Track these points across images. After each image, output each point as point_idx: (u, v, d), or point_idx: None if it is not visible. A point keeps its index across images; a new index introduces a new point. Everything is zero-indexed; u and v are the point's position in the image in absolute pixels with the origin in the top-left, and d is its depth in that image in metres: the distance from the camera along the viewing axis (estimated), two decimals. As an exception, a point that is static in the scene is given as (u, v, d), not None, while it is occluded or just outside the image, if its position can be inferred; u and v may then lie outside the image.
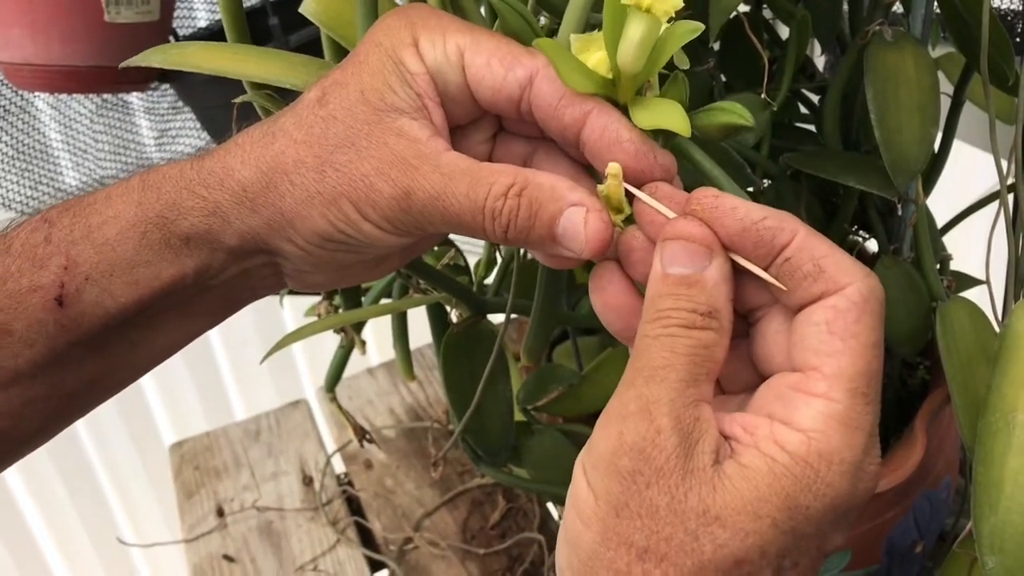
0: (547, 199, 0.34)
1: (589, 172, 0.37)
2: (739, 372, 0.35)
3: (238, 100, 0.53)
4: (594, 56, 0.35)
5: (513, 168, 0.34)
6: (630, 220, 0.35)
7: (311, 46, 0.81)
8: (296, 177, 0.35)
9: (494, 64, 0.34)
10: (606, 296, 0.35)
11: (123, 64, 0.51)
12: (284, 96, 0.53)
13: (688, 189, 0.34)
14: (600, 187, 0.35)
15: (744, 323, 0.35)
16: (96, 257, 0.36)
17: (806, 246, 0.32)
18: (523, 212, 0.34)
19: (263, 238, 0.36)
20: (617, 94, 0.35)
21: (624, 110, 0.35)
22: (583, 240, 0.34)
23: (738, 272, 0.33)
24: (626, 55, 0.33)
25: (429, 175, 0.34)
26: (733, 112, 0.35)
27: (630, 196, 0.35)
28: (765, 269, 0.33)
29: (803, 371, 0.32)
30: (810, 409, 0.31)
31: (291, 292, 0.66)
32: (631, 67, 0.34)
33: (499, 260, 0.68)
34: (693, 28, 0.34)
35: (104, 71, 0.75)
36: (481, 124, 0.38)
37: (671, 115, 0.34)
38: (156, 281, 0.36)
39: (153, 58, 0.51)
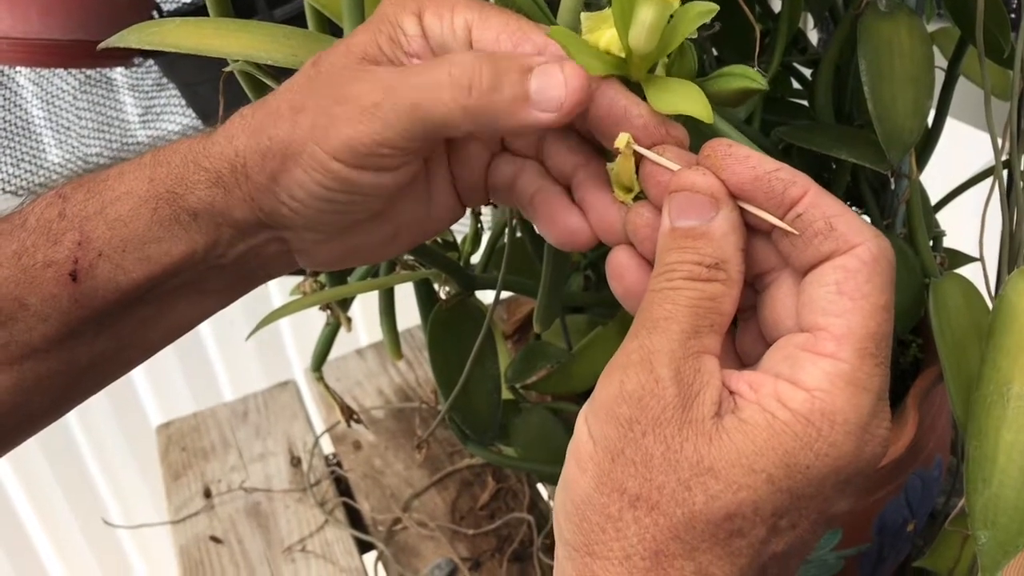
0: (513, 61, 0.33)
1: (602, 153, 0.37)
2: (754, 344, 0.35)
3: (226, 70, 0.52)
4: (606, 34, 0.34)
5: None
6: (640, 196, 0.34)
7: (297, 20, 0.80)
8: (273, 131, 0.34)
9: (503, 40, 0.34)
10: (625, 283, 0.35)
11: (101, 45, 0.50)
12: (269, 71, 0.52)
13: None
14: (609, 165, 0.34)
15: (752, 292, 0.35)
16: (109, 233, 0.36)
17: (818, 203, 0.31)
18: (487, 70, 0.32)
19: (259, 204, 0.36)
20: (629, 72, 0.34)
21: (637, 88, 0.34)
22: (562, 85, 0.32)
23: (749, 232, 0.33)
24: (638, 38, 0.33)
25: (383, 76, 0.33)
26: (745, 76, 0.35)
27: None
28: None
29: (811, 331, 0.31)
30: (816, 368, 0.30)
31: (300, 272, 0.65)
32: (643, 49, 0.33)
33: (485, 237, 0.67)
34: (706, 10, 0.33)
35: (85, 45, 0.74)
36: None
37: (691, 99, 0.33)
38: (167, 257, 0.37)
39: (131, 38, 0.50)
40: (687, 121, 0.34)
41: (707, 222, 0.32)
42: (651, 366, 0.30)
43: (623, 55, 0.34)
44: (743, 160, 0.32)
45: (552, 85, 0.32)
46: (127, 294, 0.37)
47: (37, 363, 0.38)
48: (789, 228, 0.32)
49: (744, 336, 0.35)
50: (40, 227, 0.37)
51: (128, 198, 0.36)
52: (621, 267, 0.35)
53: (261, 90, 0.53)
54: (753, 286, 0.35)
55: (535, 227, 0.37)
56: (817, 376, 0.30)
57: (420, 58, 0.34)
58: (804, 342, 0.31)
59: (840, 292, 0.31)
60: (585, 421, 0.32)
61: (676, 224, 0.32)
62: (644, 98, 0.34)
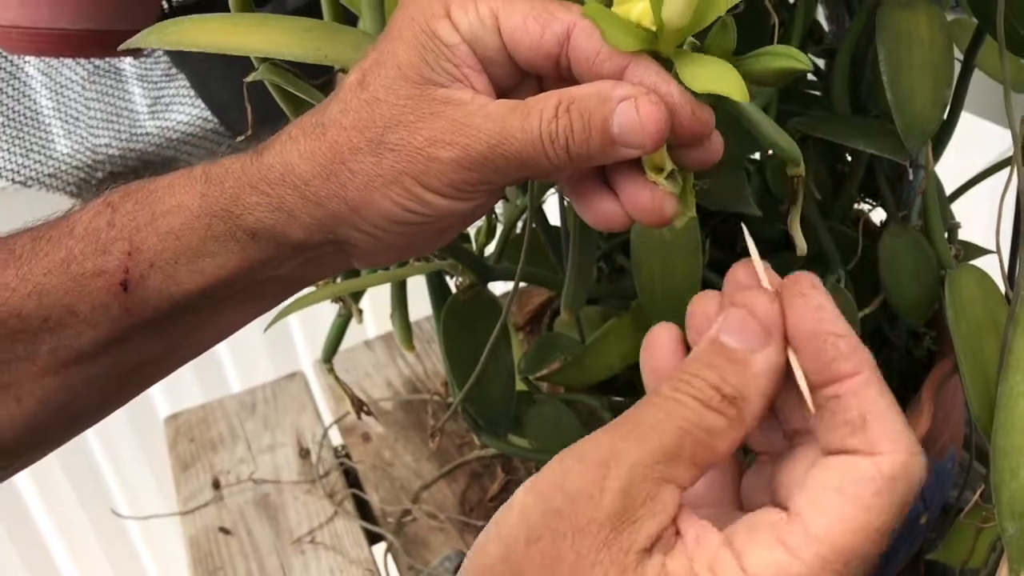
0: (594, 105, 0.33)
1: None
2: (761, 493, 0.32)
3: (248, 79, 0.52)
4: (638, 6, 0.33)
5: (556, 91, 0.34)
6: (671, 175, 0.34)
7: (310, 8, 0.80)
8: (354, 164, 0.35)
9: (530, 23, 0.34)
10: (654, 360, 0.33)
11: (122, 47, 0.50)
12: (290, 66, 0.51)
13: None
14: None
15: (785, 443, 0.32)
16: (160, 245, 0.36)
17: (862, 392, 0.29)
18: (576, 125, 0.33)
19: (331, 228, 0.36)
20: (659, 47, 0.34)
21: (668, 63, 0.34)
22: (641, 129, 0.32)
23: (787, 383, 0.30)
24: (673, 11, 0.32)
25: (482, 126, 0.34)
26: (789, 56, 0.34)
27: (670, 152, 0.34)
28: (811, 391, 0.29)
29: (790, 513, 0.28)
30: (767, 554, 0.27)
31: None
32: (677, 23, 0.33)
33: (499, 229, 0.67)
34: None
35: (94, 35, 0.74)
36: (523, 89, 0.37)
37: (726, 79, 0.33)
38: (221, 271, 0.37)
39: (151, 39, 0.49)
40: (716, 101, 0.34)
41: (749, 352, 0.29)
42: (606, 471, 0.28)
43: (654, 28, 0.34)
44: (814, 308, 0.29)
45: (632, 129, 0.32)
46: (178, 303, 0.37)
47: (85, 366, 0.38)
48: (808, 401, 0.29)
49: (756, 479, 0.33)
50: (88, 235, 0.37)
51: (179, 212, 0.36)
52: (657, 345, 0.33)
53: (290, 100, 0.53)
54: (789, 439, 0.32)
55: (576, 209, 0.37)
56: (762, 563, 0.27)
57: (470, 67, 0.34)
58: (776, 522, 0.28)
59: (839, 491, 0.28)
60: (524, 490, 0.30)
61: (720, 337, 0.30)
62: (675, 74, 0.34)
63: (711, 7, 0.33)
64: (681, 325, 0.33)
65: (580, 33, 0.34)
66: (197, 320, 0.39)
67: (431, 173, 0.34)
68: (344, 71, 0.46)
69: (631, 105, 0.32)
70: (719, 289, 0.33)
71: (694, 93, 0.34)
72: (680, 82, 0.33)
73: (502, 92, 0.36)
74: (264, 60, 0.51)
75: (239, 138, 0.54)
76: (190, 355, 0.41)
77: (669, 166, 0.34)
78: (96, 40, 0.75)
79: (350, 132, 0.35)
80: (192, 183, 0.37)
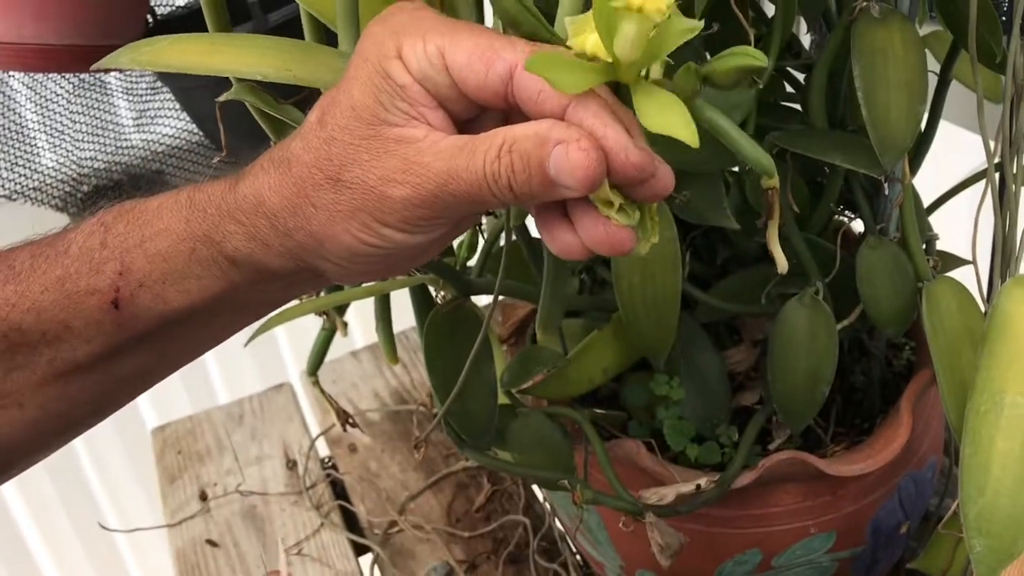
0: (532, 147, 0.34)
1: None
2: None
3: (221, 99, 0.52)
4: (591, 39, 0.34)
5: (503, 129, 0.34)
6: (622, 209, 0.35)
7: (291, 24, 0.80)
8: (316, 199, 0.36)
9: (474, 62, 0.34)
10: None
11: (94, 67, 0.50)
12: (265, 86, 0.52)
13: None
14: None
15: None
16: (149, 266, 0.38)
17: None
18: (517, 166, 0.34)
19: (301, 257, 0.38)
20: (619, 76, 0.34)
21: (627, 92, 0.34)
22: (571, 174, 0.33)
23: None
24: (623, 50, 0.33)
25: (431, 165, 0.35)
26: (746, 55, 0.34)
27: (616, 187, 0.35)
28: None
29: None
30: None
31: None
32: (628, 58, 0.33)
33: (481, 242, 0.67)
34: (690, 27, 0.33)
35: (79, 49, 0.74)
36: (485, 119, 0.37)
37: (676, 120, 0.33)
38: (207, 291, 0.39)
39: (123, 59, 0.50)
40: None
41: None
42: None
43: (610, 59, 0.34)
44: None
45: (565, 172, 0.33)
46: (168, 319, 0.39)
47: (81, 376, 0.40)
48: None
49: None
50: (83, 254, 0.39)
51: (166, 235, 0.38)
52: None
53: (269, 119, 0.53)
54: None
55: (542, 238, 0.38)
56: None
57: (424, 105, 0.35)
58: None
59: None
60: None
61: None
62: (632, 102, 0.34)
63: (662, 45, 0.33)
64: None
65: (522, 72, 0.34)
66: (187, 333, 0.41)
67: (385, 210, 0.35)
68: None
69: (564, 149, 0.33)
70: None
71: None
72: (635, 113, 0.34)
73: (463, 123, 0.37)
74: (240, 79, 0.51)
75: (221, 155, 0.54)
76: (182, 362, 0.43)
77: (617, 201, 0.34)
78: (81, 55, 0.75)
79: (311, 168, 0.36)
80: (178, 208, 0.39)
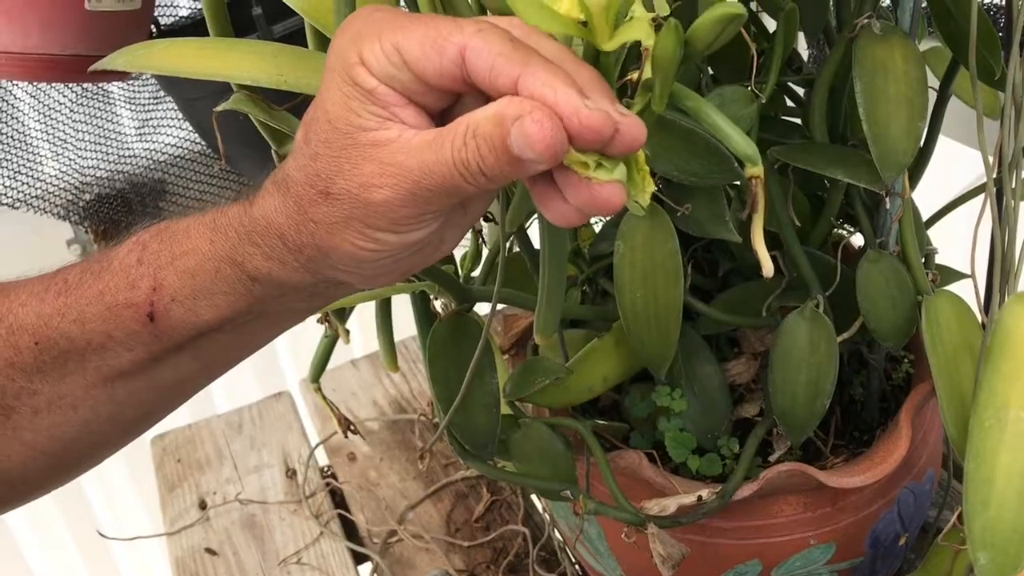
0: (493, 128, 0.34)
1: None
2: None
3: (218, 109, 0.52)
4: (565, 1, 0.33)
5: (466, 115, 0.35)
6: (600, 166, 0.34)
7: (296, 35, 0.80)
8: (314, 215, 0.37)
9: (428, 51, 0.35)
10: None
11: (91, 68, 0.50)
12: (264, 92, 0.52)
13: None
14: None
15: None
16: (179, 283, 0.41)
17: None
18: (484, 150, 0.34)
19: (316, 270, 0.39)
20: (594, 37, 0.34)
21: (598, 56, 0.34)
22: (531, 147, 0.33)
23: None
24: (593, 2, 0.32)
25: (405, 163, 0.35)
26: (725, 5, 0.34)
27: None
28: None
29: None
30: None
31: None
32: (600, 2, 0.32)
33: (485, 253, 0.68)
34: None
35: (83, 60, 0.74)
36: (465, 99, 0.37)
37: (635, 28, 0.33)
38: (235, 306, 0.41)
39: (119, 61, 0.50)
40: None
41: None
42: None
43: (583, 18, 0.33)
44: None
45: (527, 147, 0.33)
46: (201, 330, 0.42)
47: (127, 381, 0.43)
48: None
49: None
50: (121, 271, 0.41)
51: (194, 254, 0.40)
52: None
53: (269, 129, 0.53)
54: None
55: (539, 211, 0.38)
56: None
57: (395, 104, 0.35)
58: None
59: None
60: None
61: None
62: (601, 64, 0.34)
63: None
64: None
65: (471, 54, 0.34)
66: (223, 341, 0.43)
67: (372, 215, 0.36)
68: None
69: (520, 125, 0.33)
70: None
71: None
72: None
73: (440, 114, 0.37)
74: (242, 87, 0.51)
75: (222, 164, 0.55)
76: (223, 369, 0.46)
77: (592, 160, 0.34)
78: (85, 65, 0.75)
79: (304, 187, 0.37)
80: (204, 229, 0.41)
